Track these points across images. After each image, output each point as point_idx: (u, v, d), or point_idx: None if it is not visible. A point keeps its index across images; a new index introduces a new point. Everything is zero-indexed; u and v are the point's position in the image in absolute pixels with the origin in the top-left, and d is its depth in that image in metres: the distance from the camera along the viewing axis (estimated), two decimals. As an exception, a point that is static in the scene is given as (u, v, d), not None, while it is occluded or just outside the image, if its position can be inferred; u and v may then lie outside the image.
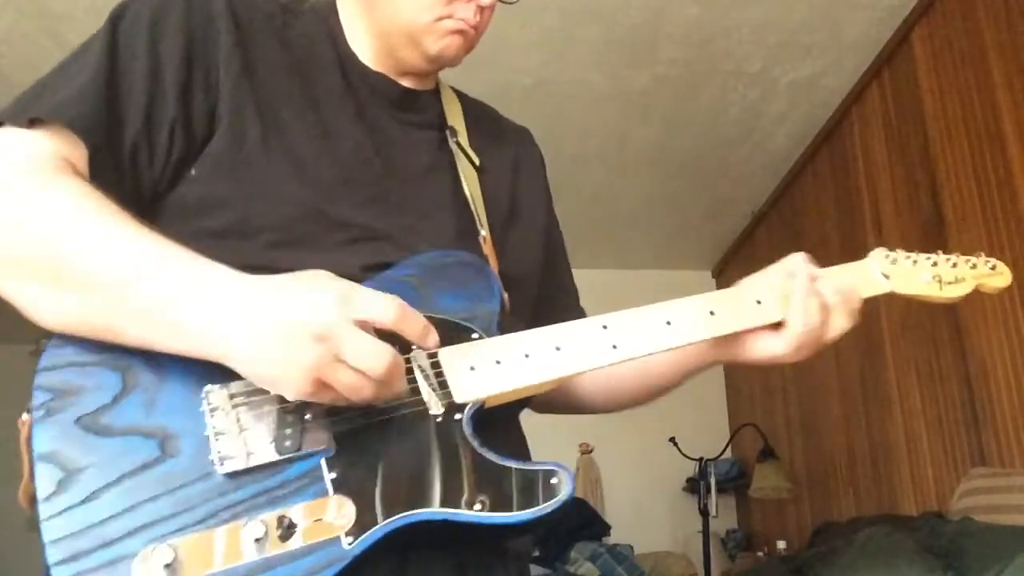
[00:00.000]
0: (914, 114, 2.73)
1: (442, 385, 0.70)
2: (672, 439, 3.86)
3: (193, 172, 0.76)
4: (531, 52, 2.93)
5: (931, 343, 2.61)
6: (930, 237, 2.59)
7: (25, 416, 0.62)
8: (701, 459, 3.85)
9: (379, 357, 0.60)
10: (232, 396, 0.64)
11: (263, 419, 0.64)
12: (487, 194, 0.92)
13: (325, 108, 0.83)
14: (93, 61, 0.73)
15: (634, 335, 0.78)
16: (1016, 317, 2.20)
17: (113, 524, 0.58)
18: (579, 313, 1.01)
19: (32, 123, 0.69)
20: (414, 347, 0.70)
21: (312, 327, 0.58)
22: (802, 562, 2.07)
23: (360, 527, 0.61)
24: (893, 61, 2.88)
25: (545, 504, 0.65)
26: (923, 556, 1.56)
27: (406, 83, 0.90)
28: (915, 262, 0.92)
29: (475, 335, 0.75)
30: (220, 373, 0.63)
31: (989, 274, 0.94)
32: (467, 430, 0.69)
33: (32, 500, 0.59)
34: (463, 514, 0.64)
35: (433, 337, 0.66)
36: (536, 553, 3.17)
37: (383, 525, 0.62)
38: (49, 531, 0.57)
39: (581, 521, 3.56)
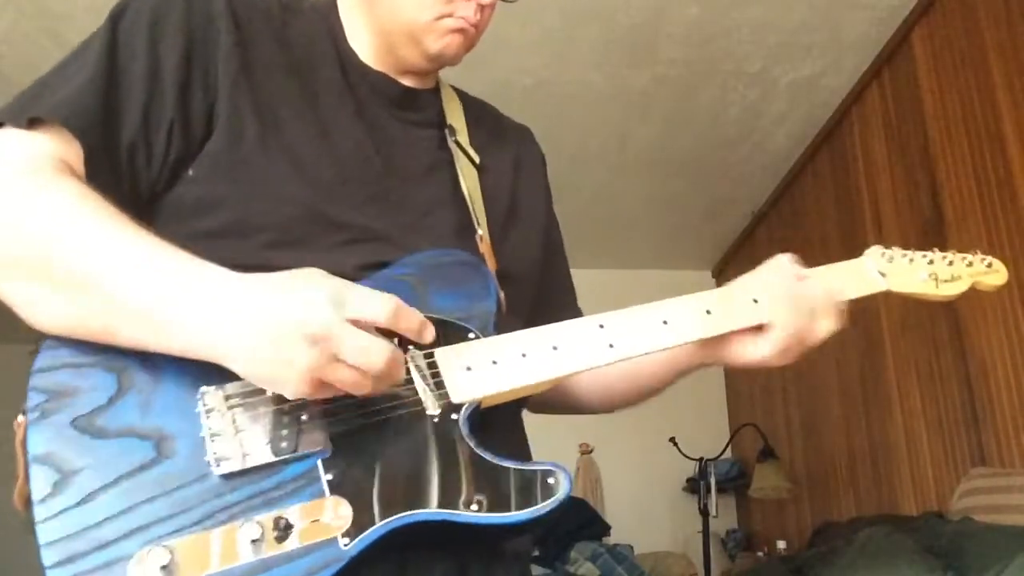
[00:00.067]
0: (914, 114, 2.73)
1: (438, 385, 0.70)
2: (672, 439, 3.85)
3: (191, 172, 0.76)
4: (531, 52, 2.93)
5: (931, 343, 2.61)
6: (930, 237, 2.59)
7: (20, 418, 0.61)
8: (701, 459, 3.85)
9: (377, 353, 0.61)
10: (228, 397, 0.64)
11: (259, 420, 0.64)
12: (487, 192, 0.92)
13: (324, 107, 0.83)
14: (92, 61, 0.73)
15: (631, 334, 0.78)
16: (1016, 317, 2.20)
17: (109, 526, 0.58)
18: (577, 312, 1.01)
19: (31, 123, 0.69)
20: (410, 347, 0.70)
21: (309, 328, 0.58)
22: (802, 562, 2.07)
23: (357, 528, 0.61)
24: (893, 61, 2.88)
25: (542, 504, 0.65)
26: (923, 556, 1.56)
27: (406, 82, 0.90)
28: (911, 260, 0.92)
29: (471, 335, 0.75)
30: (216, 374, 0.63)
31: (985, 272, 0.94)
32: (464, 430, 0.69)
33: (27, 502, 0.59)
34: (460, 514, 0.64)
35: (430, 332, 0.67)
36: (536, 553, 3.17)
37: (380, 526, 0.62)
38: (45, 533, 0.57)
39: (581, 521, 3.56)
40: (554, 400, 0.99)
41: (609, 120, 3.39)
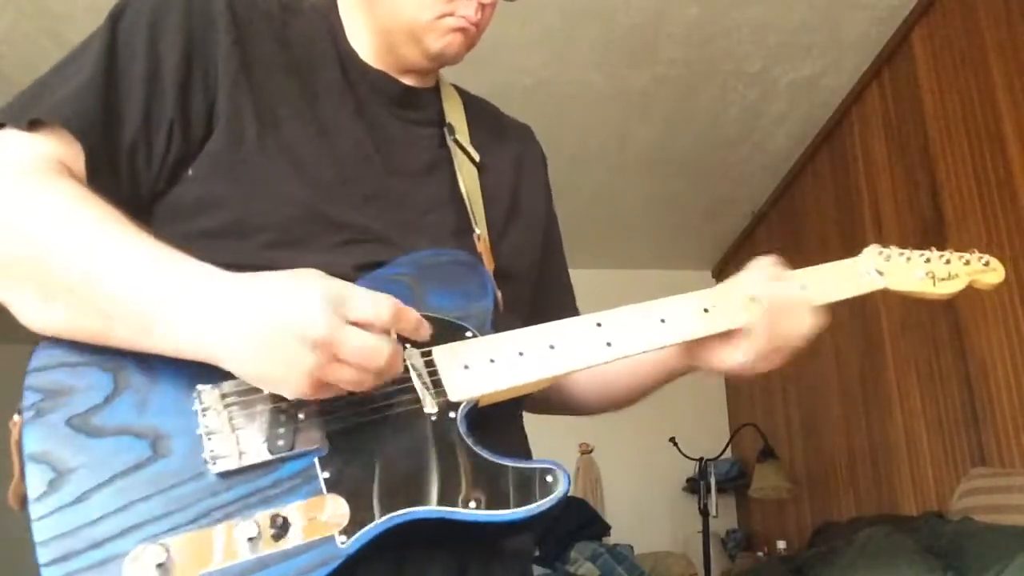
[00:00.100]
0: (914, 114, 2.73)
1: (436, 384, 0.70)
2: (672, 439, 3.85)
3: (191, 172, 0.76)
4: (531, 52, 2.93)
5: (931, 343, 2.61)
6: (930, 237, 2.59)
7: (16, 417, 0.61)
8: (701, 459, 3.85)
9: (378, 352, 0.61)
10: (224, 396, 0.64)
11: (256, 418, 0.64)
12: (486, 191, 0.92)
13: (324, 105, 0.83)
14: (92, 61, 0.73)
15: (628, 333, 0.78)
16: (1016, 317, 2.19)
17: (104, 524, 0.58)
18: (574, 312, 1.01)
19: (32, 125, 0.69)
20: (407, 346, 0.70)
21: (310, 332, 0.58)
22: (802, 562, 2.07)
23: (354, 526, 0.61)
24: (893, 61, 2.88)
25: (541, 502, 0.65)
26: (923, 556, 1.56)
27: (406, 80, 0.90)
28: (908, 259, 0.93)
29: (469, 334, 0.75)
30: (212, 372, 0.62)
31: (983, 270, 0.95)
32: (462, 428, 0.69)
33: (23, 501, 0.59)
34: (458, 512, 0.64)
35: (426, 329, 0.67)
36: (536, 553, 3.17)
37: (377, 524, 0.62)
38: (39, 531, 0.57)
39: (581, 521, 3.56)
40: (552, 399, 0.99)
41: (609, 120, 3.39)
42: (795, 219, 3.80)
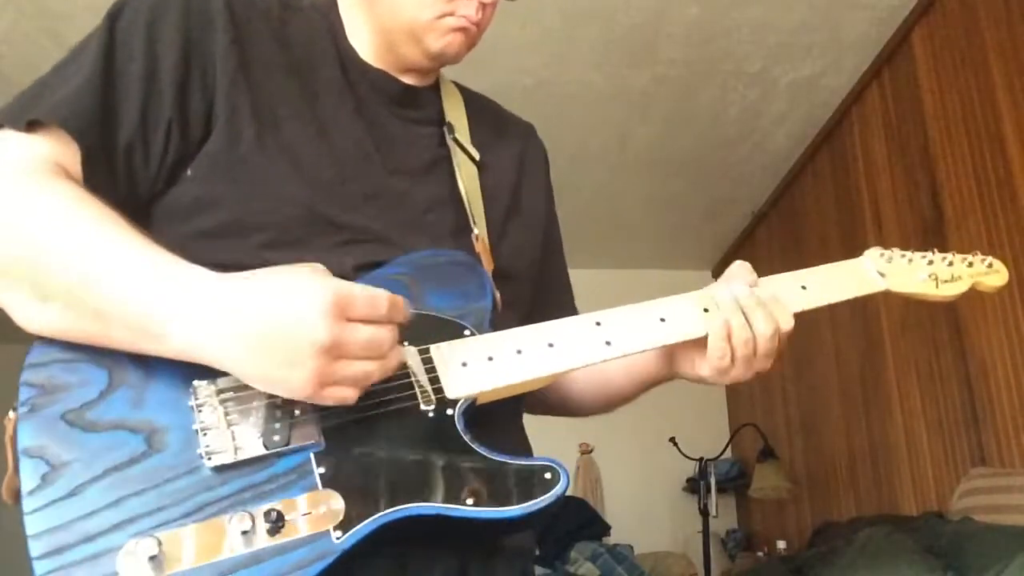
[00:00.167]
0: (914, 114, 2.73)
1: (433, 381, 0.70)
2: (672, 439, 3.85)
3: (189, 172, 0.76)
4: (531, 52, 2.93)
5: (931, 343, 2.61)
6: (930, 237, 2.59)
7: (11, 414, 0.62)
8: (701, 459, 3.85)
9: (381, 342, 0.62)
10: (220, 391, 0.64)
11: (251, 414, 0.64)
12: (486, 190, 0.91)
13: (324, 104, 0.83)
14: (89, 61, 0.73)
15: (628, 332, 0.78)
16: (1016, 317, 2.19)
17: (98, 518, 0.57)
18: (574, 312, 1.01)
19: (30, 126, 0.69)
20: (406, 343, 0.70)
21: (315, 339, 0.58)
22: (802, 562, 2.07)
23: (350, 521, 0.61)
24: (893, 61, 2.88)
25: (539, 499, 0.65)
26: (923, 556, 1.56)
27: (406, 79, 0.90)
28: (910, 260, 0.92)
29: (467, 332, 0.75)
30: (208, 368, 0.62)
31: (986, 272, 0.94)
32: (459, 426, 0.69)
33: (16, 495, 0.59)
34: (455, 509, 0.64)
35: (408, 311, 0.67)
36: (536, 552, 3.17)
37: (373, 519, 0.62)
38: (32, 525, 0.57)
39: (581, 521, 3.56)
40: (551, 399, 0.99)
41: (609, 120, 3.39)
42: (795, 219, 3.80)
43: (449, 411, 0.69)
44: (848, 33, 2.85)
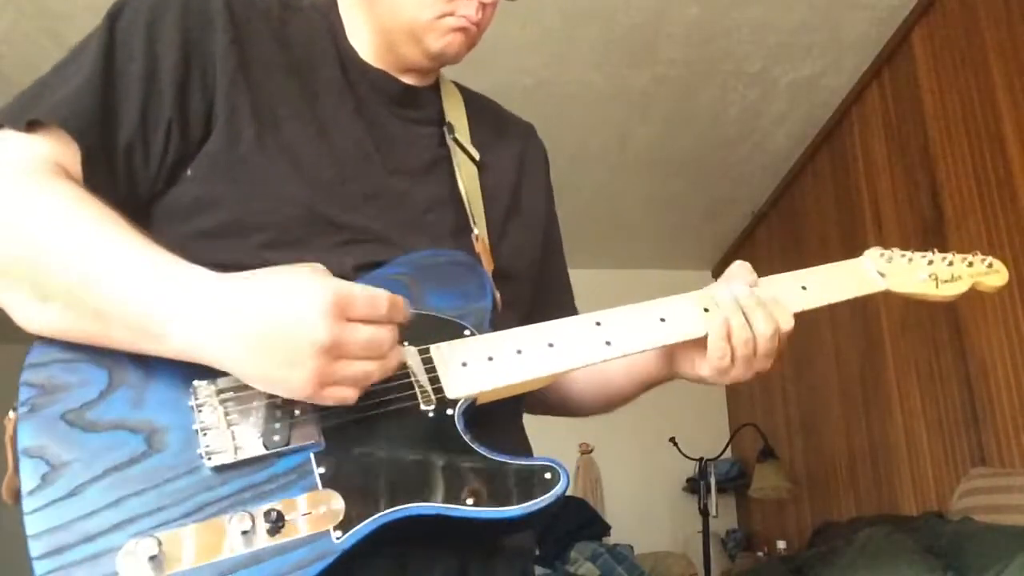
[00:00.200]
0: (914, 114, 2.73)
1: (433, 381, 0.70)
2: (672, 439, 3.85)
3: (189, 172, 0.76)
4: (531, 52, 2.93)
5: (931, 343, 2.61)
6: (930, 237, 2.59)
7: (11, 414, 0.62)
8: (701, 459, 3.85)
9: (381, 341, 0.62)
10: (220, 391, 0.64)
11: (251, 414, 0.64)
12: (486, 190, 0.91)
13: (324, 104, 0.83)
14: (89, 61, 0.73)
15: (628, 332, 0.78)
16: (1016, 317, 2.19)
17: (97, 518, 0.57)
18: (574, 311, 1.01)
19: (30, 126, 0.69)
20: (406, 343, 0.70)
21: (316, 340, 0.58)
22: (802, 562, 2.07)
23: (350, 521, 0.61)
24: (893, 61, 2.88)
25: (539, 499, 0.65)
26: (923, 556, 1.56)
27: (407, 79, 0.90)
28: (910, 260, 0.92)
29: (467, 332, 0.75)
30: (207, 368, 0.62)
31: (986, 272, 0.94)
32: (459, 425, 0.69)
33: (16, 495, 0.59)
34: (455, 509, 0.64)
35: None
36: (536, 552, 3.17)
37: (373, 519, 0.62)
38: (32, 525, 0.57)
39: (581, 521, 3.56)
40: (552, 399, 0.99)
41: (609, 120, 3.39)
42: (795, 219, 3.80)
43: (449, 411, 0.69)
44: (848, 33, 2.85)
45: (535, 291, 0.96)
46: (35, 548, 0.56)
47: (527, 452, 0.84)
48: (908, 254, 0.93)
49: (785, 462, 3.68)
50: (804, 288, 0.86)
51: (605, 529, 3.72)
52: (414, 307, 0.71)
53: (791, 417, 3.85)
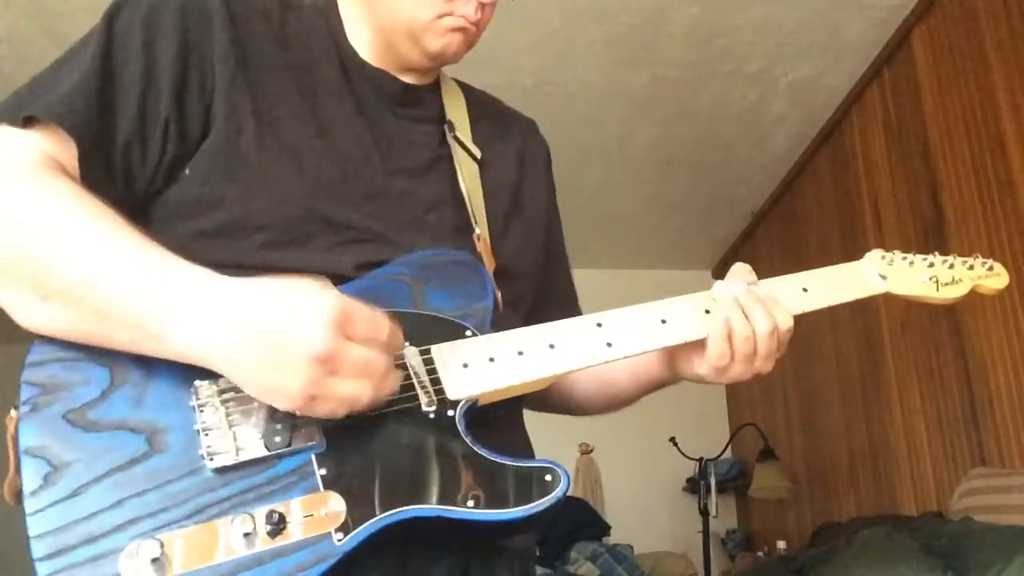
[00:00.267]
0: (914, 114, 2.73)
1: (435, 382, 0.70)
2: (672, 439, 3.85)
3: (187, 172, 0.76)
4: (531, 52, 2.93)
5: (931, 343, 2.61)
6: (930, 237, 2.59)
7: (13, 413, 0.61)
8: (701, 459, 3.85)
9: (376, 367, 0.61)
10: (221, 391, 0.64)
11: (252, 415, 0.64)
12: (487, 188, 0.91)
13: (323, 104, 0.83)
14: (87, 60, 0.73)
15: (629, 333, 0.78)
16: (1016, 317, 2.19)
17: (100, 519, 0.57)
18: (577, 309, 1.01)
19: (26, 122, 0.69)
20: (406, 344, 0.70)
21: (310, 348, 0.58)
22: (802, 562, 2.07)
23: (351, 523, 0.61)
24: (893, 61, 2.88)
25: (540, 501, 0.65)
26: (923, 556, 1.56)
27: (406, 78, 0.89)
28: (911, 263, 0.93)
29: (468, 332, 0.75)
30: (209, 369, 0.62)
31: (986, 275, 0.95)
32: (460, 427, 0.68)
33: (18, 496, 0.58)
34: (456, 511, 0.64)
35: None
36: (536, 553, 3.17)
37: (374, 521, 0.62)
38: (34, 526, 0.57)
39: (581, 521, 3.56)
40: (553, 398, 0.99)
41: (609, 120, 3.39)
42: (795, 219, 3.80)
43: (450, 412, 0.69)
44: (848, 33, 2.85)
45: (537, 290, 0.96)
46: (38, 549, 0.56)
47: (528, 453, 0.84)
48: (909, 256, 0.93)
49: (785, 462, 3.68)
50: (805, 290, 0.86)
51: (605, 529, 3.72)
52: (416, 307, 0.71)
53: (791, 417, 3.85)
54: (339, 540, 0.60)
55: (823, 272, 0.89)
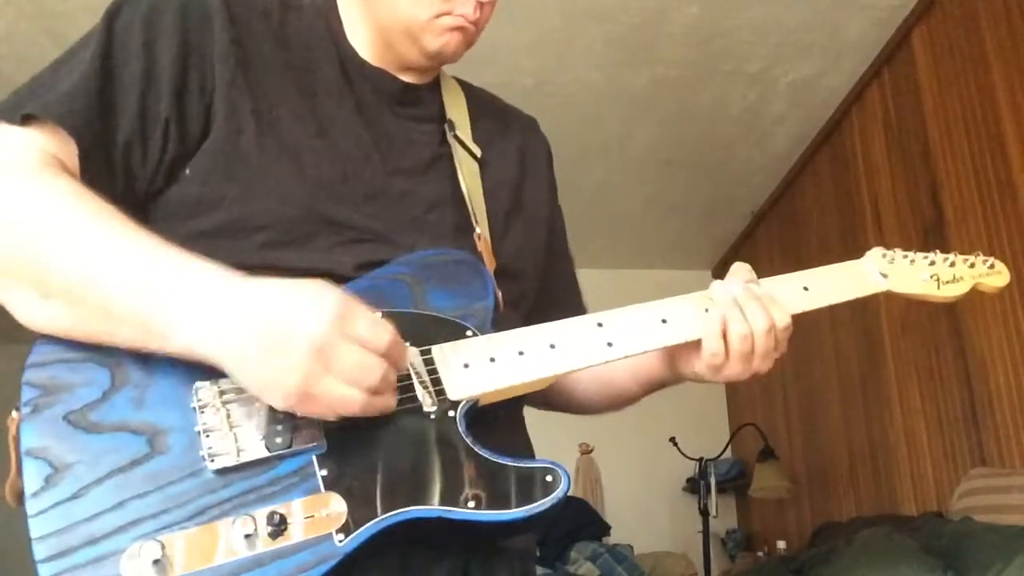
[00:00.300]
0: (914, 114, 2.73)
1: (435, 383, 0.70)
2: (672, 439, 3.85)
3: (188, 172, 0.76)
4: (531, 52, 2.93)
5: (931, 343, 2.61)
6: (930, 237, 2.59)
7: (14, 414, 0.61)
8: (701, 459, 3.85)
9: (371, 370, 0.61)
10: (222, 392, 0.64)
11: (253, 416, 0.64)
12: (487, 187, 0.91)
13: (323, 104, 0.83)
14: (87, 60, 0.73)
15: (629, 333, 0.78)
16: (1016, 317, 2.19)
17: (101, 520, 0.57)
18: (581, 307, 1.01)
19: (25, 120, 0.69)
20: (407, 344, 0.69)
21: (308, 339, 0.58)
22: (802, 562, 2.07)
23: (352, 524, 0.61)
24: (893, 61, 2.88)
25: (540, 502, 0.65)
26: (923, 556, 1.56)
27: (406, 78, 0.89)
28: (912, 261, 0.92)
29: (469, 332, 0.75)
30: (210, 369, 0.62)
31: (987, 273, 0.94)
32: (461, 427, 0.68)
33: (19, 497, 0.59)
34: (457, 512, 0.64)
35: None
36: (536, 553, 3.16)
37: (375, 522, 0.62)
38: (36, 527, 0.57)
39: (581, 521, 3.55)
40: (553, 398, 0.98)
41: (609, 120, 3.39)
42: (795, 219, 3.80)
43: (451, 412, 0.69)
44: (848, 33, 2.85)
45: (539, 289, 0.96)
46: (39, 551, 0.56)
47: (529, 453, 0.84)
48: (910, 255, 0.93)
49: (785, 462, 3.68)
50: (806, 289, 0.86)
51: (605, 529, 3.72)
52: (416, 307, 0.71)
53: (791, 417, 3.85)
54: (340, 541, 0.60)
55: (824, 271, 0.89)
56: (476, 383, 0.71)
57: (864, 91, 3.08)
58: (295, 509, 0.61)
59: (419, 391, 0.69)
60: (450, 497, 0.64)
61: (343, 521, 0.61)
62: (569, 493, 0.68)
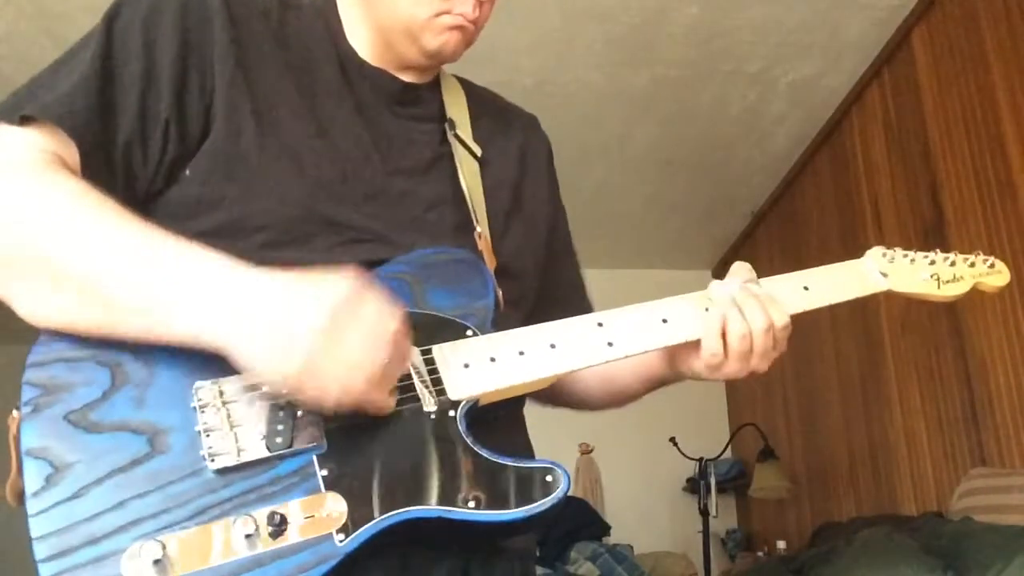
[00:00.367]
0: (914, 114, 2.73)
1: (436, 382, 0.70)
2: (672, 439, 3.85)
3: (188, 172, 0.76)
4: (531, 52, 2.93)
5: (931, 343, 2.61)
6: (930, 237, 2.59)
7: (15, 413, 0.62)
8: (701, 459, 3.85)
9: (373, 357, 0.61)
10: (223, 392, 0.64)
11: (254, 416, 0.64)
12: (488, 186, 0.91)
13: (323, 104, 0.83)
14: (87, 60, 0.73)
15: (630, 332, 0.78)
16: (1016, 317, 2.19)
17: (102, 520, 0.58)
18: (585, 306, 1.01)
19: (24, 121, 0.69)
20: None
21: (317, 320, 0.59)
22: (802, 562, 2.07)
23: (352, 524, 0.61)
24: (893, 61, 2.88)
25: (540, 502, 0.65)
26: (923, 556, 1.56)
27: (406, 77, 0.89)
28: (913, 260, 0.92)
29: (469, 332, 0.75)
30: (211, 369, 0.63)
31: (988, 273, 0.94)
32: (461, 427, 0.68)
33: (20, 497, 0.59)
34: (457, 512, 0.64)
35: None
36: (536, 553, 3.16)
37: (376, 522, 0.62)
38: (37, 527, 0.57)
39: (581, 521, 3.55)
40: (555, 396, 0.98)
41: (609, 120, 3.39)
42: (795, 219, 3.80)
43: (451, 412, 0.69)
44: (848, 33, 2.85)
45: (541, 288, 0.96)
46: (40, 551, 0.56)
47: (529, 453, 0.84)
48: (910, 254, 0.93)
49: (785, 462, 3.68)
50: (806, 288, 0.86)
51: (605, 529, 3.72)
52: (417, 306, 0.71)
53: (791, 417, 3.85)
54: (340, 541, 0.60)
55: (824, 270, 0.89)
56: (476, 383, 0.71)
57: (864, 91, 3.08)
58: (295, 509, 0.61)
59: (420, 390, 0.69)
60: (450, 497, 0.64)
61: (343, 521, 0.61)
62: (569, 493, 0.68)
